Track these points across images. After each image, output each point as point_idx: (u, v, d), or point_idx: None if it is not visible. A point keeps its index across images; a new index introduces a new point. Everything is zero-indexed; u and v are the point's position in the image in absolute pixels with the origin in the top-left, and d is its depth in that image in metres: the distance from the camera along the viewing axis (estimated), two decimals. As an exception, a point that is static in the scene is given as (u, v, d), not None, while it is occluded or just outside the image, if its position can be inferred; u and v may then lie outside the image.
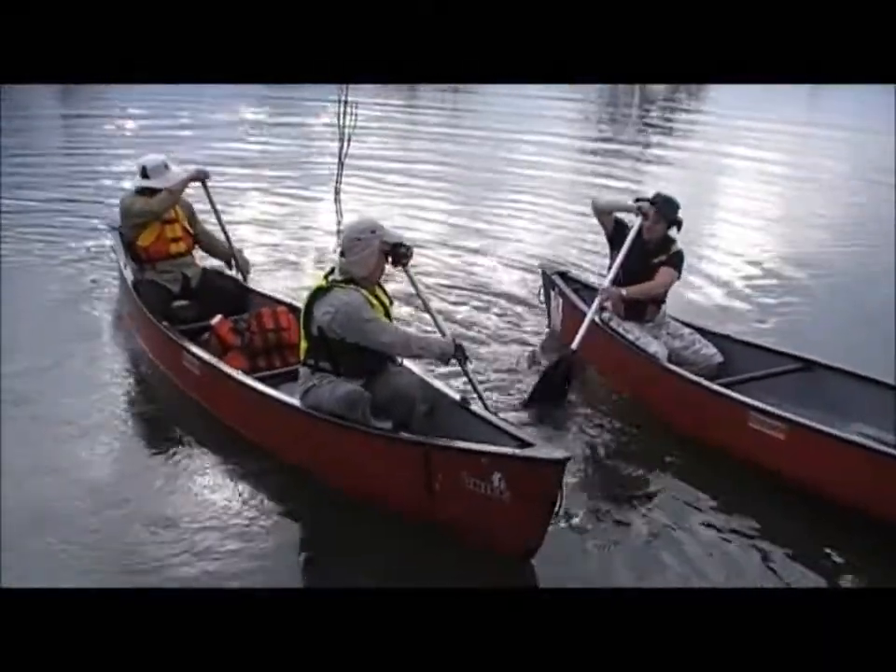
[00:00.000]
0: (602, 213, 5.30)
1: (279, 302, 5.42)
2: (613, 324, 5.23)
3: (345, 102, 9.89)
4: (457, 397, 4.15)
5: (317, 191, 9.99)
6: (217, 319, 5.14)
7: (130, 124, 13.75)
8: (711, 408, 4.55)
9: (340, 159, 9.94)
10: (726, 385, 4.61)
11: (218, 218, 5.90)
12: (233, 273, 5.84)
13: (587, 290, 5.77)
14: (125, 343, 5.66)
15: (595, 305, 5.13)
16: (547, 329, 6.11)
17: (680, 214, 5.10)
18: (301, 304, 4.19)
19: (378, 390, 4.04)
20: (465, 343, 4.23)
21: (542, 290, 6.20)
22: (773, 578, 3.65)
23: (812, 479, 4.09)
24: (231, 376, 4.53)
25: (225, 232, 5.87)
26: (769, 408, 4.28)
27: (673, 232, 5.15)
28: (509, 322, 6.34)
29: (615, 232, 5.28)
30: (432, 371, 4.76)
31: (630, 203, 5.22)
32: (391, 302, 4.19)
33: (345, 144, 9.93)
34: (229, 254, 5.84)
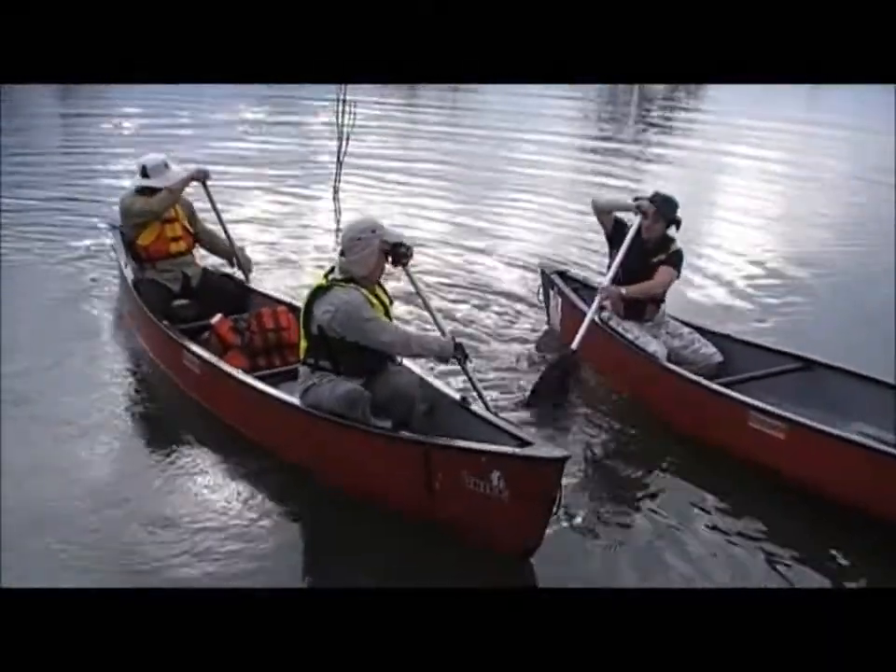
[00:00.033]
0: (602, 212, 5.30)
1: (279, 302, 5.43)
2: (613, 323, 5.23)
3: (344, 101, 9.90)
4: (457, 396, 4.16)
5: (317, 190, 9.99)
6: (217, 318, 5.15)
7: (129, 123, 13.71)
8: (711, 407, 4.55)
9: (338, 158, 9.96)
10: (726, 385, 4.61)
11: (219, 217, 5.89)
12: (235, 271, 5.85)
13: (586, 289, 5.77)
14: (125, 343, 5.66)
15: (594, 304, 5.12)
16: (545, 327, 6.11)
17: (679, 213, 5.10)
18: (300, 303, 4.19)
19: (378, 389, 4.04)
20: (464, 342, 4.23)
21: (541, 289, 6.21)
22: (776, 578, 3.65)
23: (812, 478, 4.10)
24: (231, 375, 4.54)
25: (226, 231, 5.87)
26: (769, 407, 4.28)
27: (672, 231, 5.15)
28: (508, 320, 6.34)
29: (614, 231, 5.28)
30: (432, 369, 4.77)
31: (629, 201, 5.22)
32: (391, 302, 4.20)
33: (344, 143, 9.95)
34: (230, 252, 5.84)
